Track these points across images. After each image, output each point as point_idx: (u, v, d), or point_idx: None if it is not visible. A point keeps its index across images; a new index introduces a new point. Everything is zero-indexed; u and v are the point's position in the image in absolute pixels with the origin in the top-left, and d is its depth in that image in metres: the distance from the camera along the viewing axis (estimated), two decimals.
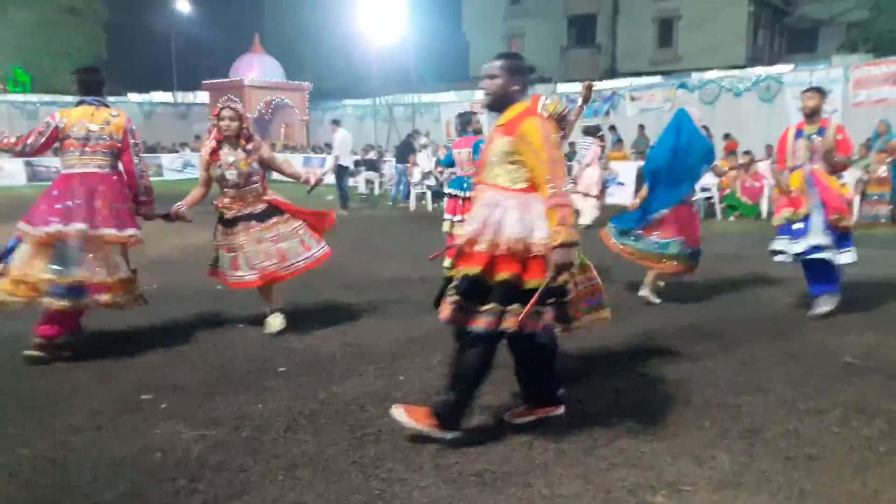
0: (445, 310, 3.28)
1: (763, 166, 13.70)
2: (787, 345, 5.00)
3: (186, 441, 3.45)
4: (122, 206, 4.80)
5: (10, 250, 4.67)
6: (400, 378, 4.31)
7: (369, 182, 19.42)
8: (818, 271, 5.70)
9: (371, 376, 4.37)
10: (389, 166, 19.03)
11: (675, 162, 6.03)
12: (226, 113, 5.14)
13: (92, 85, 5.06)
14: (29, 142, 4.79)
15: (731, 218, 13.17)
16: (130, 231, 4.79)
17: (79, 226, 4.54)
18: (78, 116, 4.79)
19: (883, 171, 11.64)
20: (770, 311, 6.05)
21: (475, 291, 3.22)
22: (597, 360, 4.63)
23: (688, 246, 6.12)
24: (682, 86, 19.46)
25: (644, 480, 3.03)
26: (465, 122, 7.71)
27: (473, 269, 3.24)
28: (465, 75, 36.74)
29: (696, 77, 20.15)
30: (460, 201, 7.24)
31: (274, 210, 5.29)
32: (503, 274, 3.21)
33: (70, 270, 4.54)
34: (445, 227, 7.38)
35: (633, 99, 20.47)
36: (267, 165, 5.37)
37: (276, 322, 5.32)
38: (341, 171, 14.61)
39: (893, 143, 11.63)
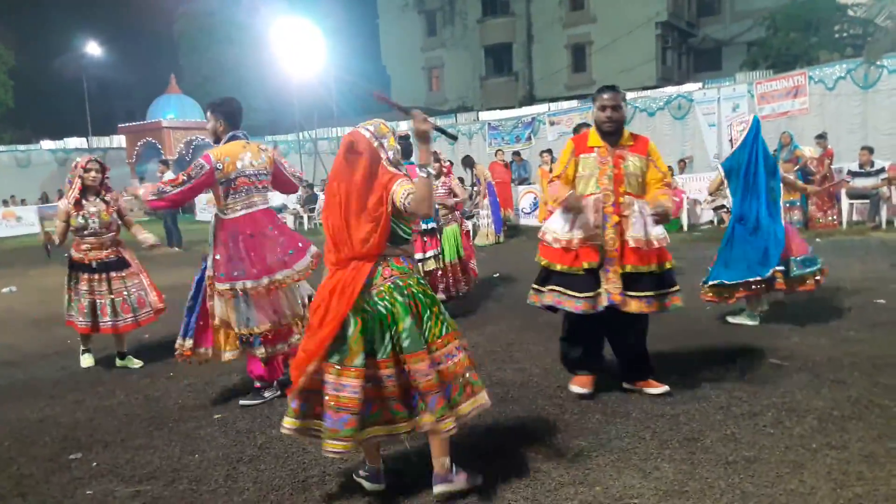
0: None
1: (680, 181, 14.25)
2: (717, 352, 5.16)
3: (121, 499, 3.29)
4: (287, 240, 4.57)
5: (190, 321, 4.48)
6: None
7: (297, 218, 19.22)
8: None
9: None
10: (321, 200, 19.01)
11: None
12: (92, 165, 5.58)
13: (239, 115, 4.60)
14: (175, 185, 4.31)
15: None
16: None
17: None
18: (238, 152, 4.42)
19: (791, 179, 12.23)
20: (696, 319, 6.22)
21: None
22: (535, 381, 4.65)
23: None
24: None
25: (592, 497, 3.05)
26: (410, 147, 6.68)
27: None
28: (387, 107, 36.98)
29: None
30: (423, 237, 6.74)
31: (125, 261, 5.68)
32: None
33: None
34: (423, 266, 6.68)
35: (552, 123, 20.99)
36: (120, 216, 5.71)
37: (136, 361, 5.76)
38: (171, 212, 15.00)
39: (798, 152, 12.24)
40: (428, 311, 2.98)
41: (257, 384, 4.59)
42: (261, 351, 4.45)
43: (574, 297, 4.09)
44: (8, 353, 6.37)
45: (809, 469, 3.19)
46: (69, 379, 5.41)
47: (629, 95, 20.32)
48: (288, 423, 3.05)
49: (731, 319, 6.11)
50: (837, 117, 15.30)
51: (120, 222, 5.71)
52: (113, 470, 3.63)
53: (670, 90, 20.16)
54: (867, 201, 12.04)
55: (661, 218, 4.07)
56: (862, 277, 7.55)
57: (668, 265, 4.18)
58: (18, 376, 5.56)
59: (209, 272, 4.44)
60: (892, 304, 6.30)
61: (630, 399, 4.21)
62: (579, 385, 4.31)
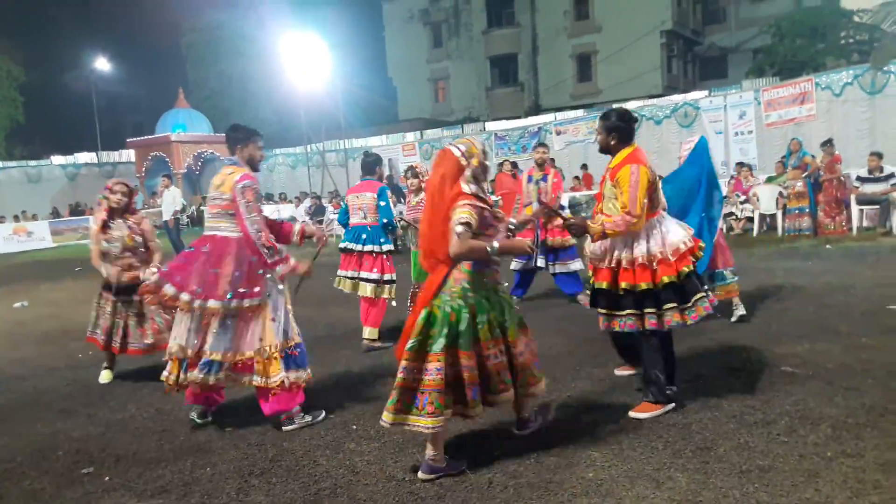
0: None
1: None
2: (728, 360, 5.13)
3: None
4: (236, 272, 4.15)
5: None
6: (353, 427, 4.22)
7: None
8: (564, 279, 7.52)
9: (321, 428, 4.27)
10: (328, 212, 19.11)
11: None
12: (119, 188, 5.54)
13: (231, 145, 4.51)
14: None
15: None
16: (236, 301, 4.11)
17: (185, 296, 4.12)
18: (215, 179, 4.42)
19: (800, 186, 12.17)
20: (705, 327, 6.17)
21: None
22: (546, 392, 4.63)
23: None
24: None
25: None
26: (373, 163, 6.44)
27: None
28: (394, 118, 37.18)
29: (616, 108, 20.84)
30: (357, 256, 6.14)
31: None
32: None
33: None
34: (347, 287, 6.25)
35: (558, 133, 21.02)
36: (145, 241, 5.63)
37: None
38: (176, 225, 15.33)
39: (807, 159, 12.19)
40: (483, 316, 3.38)
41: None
42: (165, 370, 4.29)
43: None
44: (19, 367, 6.40)
45: (825, 478, 3.17)
46: (81, 393, 5.43)
47: (635, 104, 20.42)
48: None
49: None
50: (845, 123, 15.28)
51: (143, 248, 5.60)
52: (125, 484, 3.63)
53: (677, 98, 20.16)
54: (877, 207, 11.97)
55: (575, 230, 4.18)
56: (873, 284, 7.50)
57: (664, 280, 3.99)
58: (30, 390, 5.58)
59: None
60: None
61: None
62: (617, 367, 4.96)
